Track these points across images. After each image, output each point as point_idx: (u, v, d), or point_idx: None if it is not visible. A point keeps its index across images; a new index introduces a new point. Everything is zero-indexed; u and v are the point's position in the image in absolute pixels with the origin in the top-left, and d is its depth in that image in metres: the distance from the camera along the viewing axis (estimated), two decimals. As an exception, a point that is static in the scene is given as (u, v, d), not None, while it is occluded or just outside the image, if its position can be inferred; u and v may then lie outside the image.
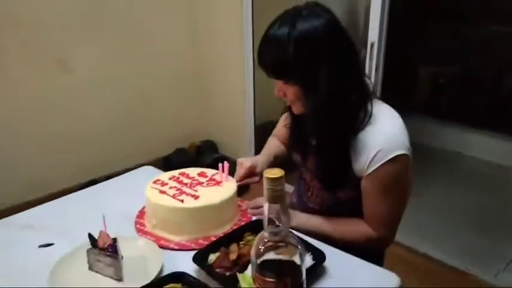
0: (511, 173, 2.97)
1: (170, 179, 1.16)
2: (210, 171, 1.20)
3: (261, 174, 1.23)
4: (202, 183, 1.13)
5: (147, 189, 1.11)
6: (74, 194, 1.32)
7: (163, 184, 1.13)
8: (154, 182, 1.14)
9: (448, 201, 2.65)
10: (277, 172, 0.64)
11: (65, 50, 2.54)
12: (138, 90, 2.92)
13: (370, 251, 1.12)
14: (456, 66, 3.51)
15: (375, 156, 0.97)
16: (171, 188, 1.10)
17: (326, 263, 0.92)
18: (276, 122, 1.39)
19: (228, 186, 1.12)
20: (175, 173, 1.19)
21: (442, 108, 3.60)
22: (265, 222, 0.67)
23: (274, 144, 1.36)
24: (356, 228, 1.10)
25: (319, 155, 1.06)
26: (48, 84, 2.52)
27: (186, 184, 1.12)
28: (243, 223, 1.10)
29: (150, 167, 1.50)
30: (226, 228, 1.07)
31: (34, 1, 2.37)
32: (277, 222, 0.66)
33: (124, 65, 2.81)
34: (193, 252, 0.96)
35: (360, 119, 1.00)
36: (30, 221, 1.17)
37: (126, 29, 2.76)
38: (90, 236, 0.93)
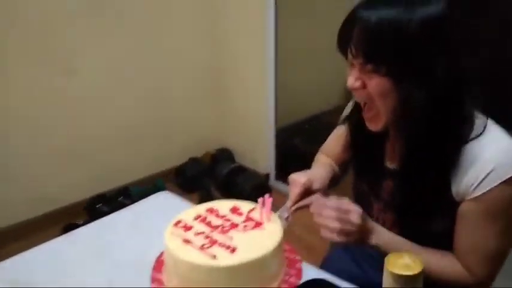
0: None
1: (195, 219, 0.89)
2: (245, 206, 0.93)
3: (320, 192, 0.95)
4: (238, 225, 0.87)
5: (167, 236, 0.84)
6: (73, 232, 1.08)
7: (187, 228, 0.86)
8: (176, 225, 0.87)
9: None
10: (413, 265, 0.39)
11: (73, 53, 2.28)
12: (148, 96, 2.65)
13: None
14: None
15: (489, 174, 0.77)
16: (197, 234, 0.84)
17: None
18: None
19: (273, 230, 0.84)
20: (201, 210, 0.92)
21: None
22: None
23: (327, 160, 1.11)
24: (448, 263, 0.85)
25: (408, 179, 0.84)
26: (55, 91, 2.26)
27: (216, 228, 0.86)
28: (291, 278, 0.84)
29: (168, 193, 1.25)
30: (272, 288, 0.81)
31: (39, 1, 2.11)
32: None
33: (134, 69, 2.55)
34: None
35: (467, 127, 0.80)
36: (16, 274, 0.91)
37: (136, 29, 2.49)
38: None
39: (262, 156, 2.83)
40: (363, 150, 0.94)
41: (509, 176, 0.77)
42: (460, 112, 0.80)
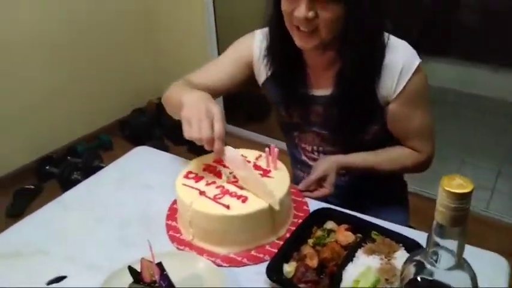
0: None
1: (205, 170, 0.90)
2: (250, 154, 0.95)
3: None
4: (247, 174, 0.89)
5: (178, 187, 0.85)
6: (63, 196, 1.01)
7: (198, 178, 0.88)
8: (186, 176, 0.88)
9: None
10: (465, 184, 0.44)
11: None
12: (81, 47, 2.46)
13: (395, 195, 1.15)
14: None
15: (401, 72, 0.92)
16: (208, 184, 0.86)
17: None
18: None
19: (281, 177, 0.88)
20: (209, 160, 0.93)
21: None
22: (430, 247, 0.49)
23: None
24: (400, 152, 1.04)
25: (344, 98, 0.95)
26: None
27: (226, 177, 0.88)
28: (300, 220, 0.87)
29: (146, 147, 1.22)
30: (282, 232, 0.85)
31: None
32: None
33: (63, 20, 2.35)
34: (247, 268, 0.78)
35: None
36: (14, 246, 0.86)
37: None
38: (131, 269, 0.68)
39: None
40: (289, 81, 1.00)
41: (415, 67, 0.92)
42: (382, 32, 0.93)
